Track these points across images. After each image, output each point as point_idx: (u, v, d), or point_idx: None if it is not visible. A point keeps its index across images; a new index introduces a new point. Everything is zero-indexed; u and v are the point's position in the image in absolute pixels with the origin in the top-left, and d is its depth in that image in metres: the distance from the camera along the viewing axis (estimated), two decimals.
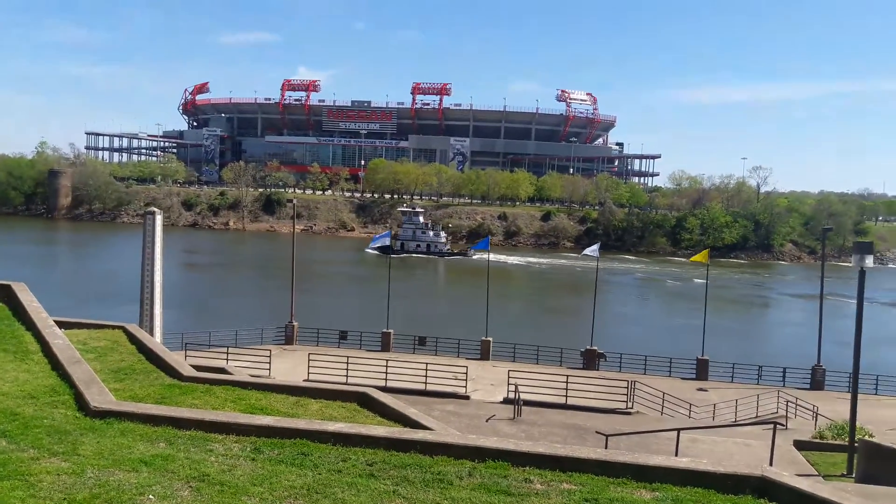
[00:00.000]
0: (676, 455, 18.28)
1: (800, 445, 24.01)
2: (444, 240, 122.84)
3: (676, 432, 20.00)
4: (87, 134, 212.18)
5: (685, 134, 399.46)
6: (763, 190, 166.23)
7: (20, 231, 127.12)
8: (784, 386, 37.10)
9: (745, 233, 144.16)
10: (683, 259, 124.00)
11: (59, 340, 15.14)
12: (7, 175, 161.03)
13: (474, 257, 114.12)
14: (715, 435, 25.10)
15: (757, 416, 30.76)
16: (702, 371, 39.02)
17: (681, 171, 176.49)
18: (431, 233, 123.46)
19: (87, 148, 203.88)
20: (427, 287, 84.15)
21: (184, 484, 8.35)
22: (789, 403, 31.33)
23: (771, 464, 17.86)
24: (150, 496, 7.92)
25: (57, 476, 8.32)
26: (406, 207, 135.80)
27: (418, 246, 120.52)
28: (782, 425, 25.39)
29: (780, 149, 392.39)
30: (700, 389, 36.06)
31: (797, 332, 67.09)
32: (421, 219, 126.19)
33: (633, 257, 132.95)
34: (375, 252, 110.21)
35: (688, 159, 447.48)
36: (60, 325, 17.51)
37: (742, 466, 9.34)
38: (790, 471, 19.70)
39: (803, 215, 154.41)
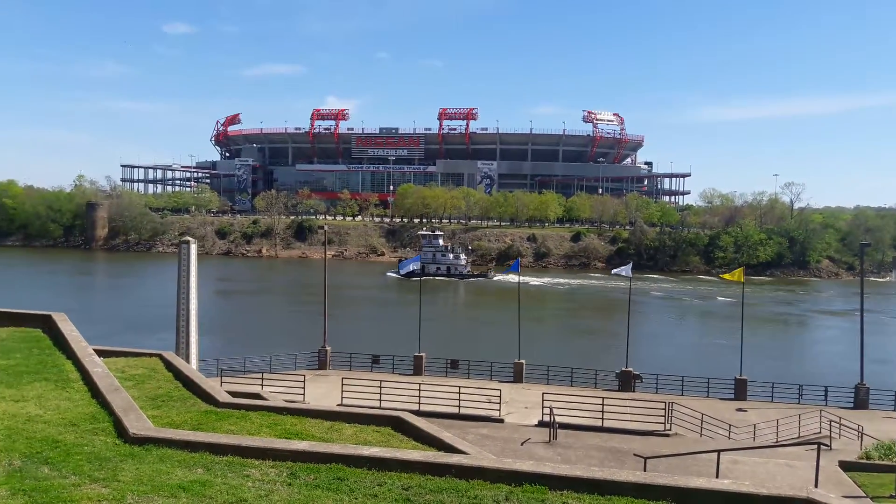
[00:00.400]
0: (717, 477, 17.88)
1: (846, 466, 23.33)
2: (464, 262, 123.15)
3: (717, 454, 19.58)
4: (123, 166, 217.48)
5: (715, 151, 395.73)
6: (797, 206, 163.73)
7: (60, 262, 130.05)
8: (826, 405, 36.15)
9: (779, 250, 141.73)
10: (717, 278, 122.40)
11: (98, 369, 15.39)
12: (47, 208, 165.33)
13: (495, 279, 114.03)
14: (756, 456, 24.50)
15: (799, 437, 29.99)
16: (740, 391, 38.22)
17: (712, 189, 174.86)
18: (451, 255, 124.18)
19: (123, 180, 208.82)
20: (456, 310, 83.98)
21: None
22: (833, 423, 30.51)
23: (816, 485, 17.37)
24: None
25: (98, 502, 8.43)
26: (426, 231, 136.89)
27: (438, 269, 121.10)
28: (826, 445, 24.69)
29: (813, 164, 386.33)
30: (739, 410, 35.31)
31: (837, 349, 65.49)
32: (441, 241, 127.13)
33: (660, 276, 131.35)
34: (396, 275, 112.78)
35: (718, 177, 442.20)
36: (99, 353, 17.82)
37: (786, 488, 9.11)
38: (836, 492, 19.17)
39: (839, 231, 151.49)
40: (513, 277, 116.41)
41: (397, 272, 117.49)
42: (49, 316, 21.39)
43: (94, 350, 17.78)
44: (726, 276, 45.71)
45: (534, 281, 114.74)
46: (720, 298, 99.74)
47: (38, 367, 16.31)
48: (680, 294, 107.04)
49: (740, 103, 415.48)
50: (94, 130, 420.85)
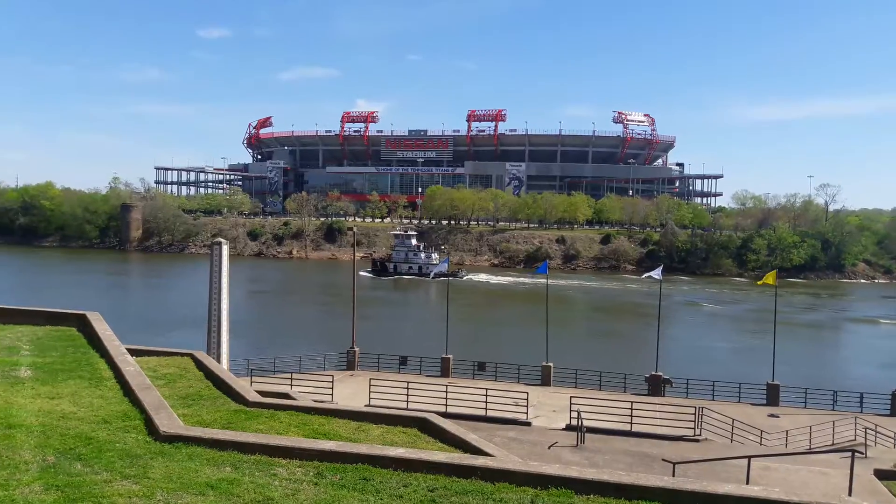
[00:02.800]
0: (748, 484, 17.60)
1: (881, 475, 22.77)
2: (435, 261, 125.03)
3: (747, 460, 19.24)
4: (157, 169, 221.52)
5: (748, 152, 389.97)
6: (832, 208, 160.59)
7: (95, 263, 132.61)
8: (862, 412, 35.38)
9: (814, 253, 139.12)
10: (749, 281, 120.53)
11: (130, 367, 15.66)
12: (83, 210, 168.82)
13: (464, 278, 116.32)
14: (789, 463, 24.05)
15: (833, 444, 29.38)
16: (772, 396, 37.57)
17: (744, 191, 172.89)
18: (423, 255, 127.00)
19: (157, 182, 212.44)
20: (478, 311, 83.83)
21: None
22: (868, 430, 29.84)
23: (850, 494, 17.00)
24: None
25: (128, 499, 8.57)
26: (398, 231, 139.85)
27: (410, 268, 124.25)
28: (861, 453, 24.15)
29: (849, 165, 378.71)
30: (771, 415, 34.72)
31: (873, 355, 64.12)
32: (413, 241, 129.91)
33: (691, 278, 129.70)
34: (369, 274, 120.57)
35: (751, 178, 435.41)
36: (132, 352, 18.14)
37: (819, 496, 8.93)
38: (871, 501, 18.74)
39: (876, 234, 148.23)
40: (482, 276, 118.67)
41: (369, 271, 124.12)
42: (84, 315, 21.83)
43: (127, 349, 18.10)
44: (760, 282, 45.03)
45: (566, 282, 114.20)
46: (752, 302, 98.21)
47: (72, 365, 16.64)
48: (711, 297, 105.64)
49: (774, 103, 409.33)
50: (128, 133, 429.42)
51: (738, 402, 37.46)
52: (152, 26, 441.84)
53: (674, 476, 17.45)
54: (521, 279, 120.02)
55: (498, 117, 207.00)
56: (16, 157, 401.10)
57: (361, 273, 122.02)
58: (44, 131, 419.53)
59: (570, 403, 29.77)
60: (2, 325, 22.05)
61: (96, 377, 15.49)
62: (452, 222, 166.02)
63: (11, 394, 13.61)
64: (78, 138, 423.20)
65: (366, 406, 28.26)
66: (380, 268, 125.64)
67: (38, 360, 16.94)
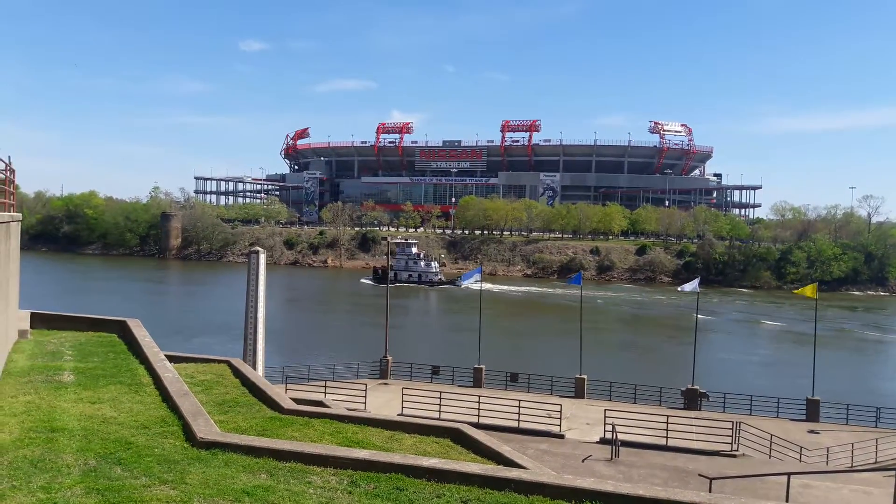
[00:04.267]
0: (787, 502, 17.22)
1: None
2: (434, 270, 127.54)
3: (787, 477, 18.84)
4: (196, 178, 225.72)
5: (788, 163, 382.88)
6: (874, 220, 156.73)
7: (135, 270, 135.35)
8: None
9: (855, 265, 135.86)
10: (788, 294, 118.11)
11: (168, 374, 15.93)
12: (124, 219, 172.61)
13: (462, 286, 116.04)
14: (829, 481, 23.47)
15: (876, 462, 28.56)
16: (812, 412, 36.69)
17: (783, 202, 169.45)
18: (423, 263, 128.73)
19: (196, 192, 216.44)
20: (503, 321, 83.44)
21: None
22: None
23: None
24: None
25: (166, 503, 8.70)
26: (399, 239, 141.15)
27: (410, 276, 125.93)
28: None
29: (891, 176, 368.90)
30: (811, 431, 33.91)
31: None
32: (414, 250, 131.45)
33: (728, 291, 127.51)
34: (370, 281, 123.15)
35: (791, 189, 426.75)
36: (170, 359, 18.45)
37: None
38: None
39: None
40: (485, 285, 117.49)
41: (370, 279, 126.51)
42: (124, 322, 22.29)
43: (166, 356, 18.42)
44: (798, 291, 44.09)
45: (520, 289, 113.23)
46: (790, 315, 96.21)
47: (113, 370, 16.98)
48: (749, 310, 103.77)
49: (815, 114, 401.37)
50: (169, 144, 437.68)
51: (777, 417, 36.67)
52: (195, 40, 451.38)
53: (710, 492, 17.15)
54: (525, 288, 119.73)
55: (532, 127, 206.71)
56: (58, 166, 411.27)
57: (363, 280, 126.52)
58: (86, 141, 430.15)
59: (605, 416, 29.46)
60: (46, 330, 22.62)
61: (136, 383, 15.78)
62: (485, 232, 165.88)
63: (55, 398, 13.94)
64: (119, 148, 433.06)
65: (398, 415, 28.33)
66: (381, 275, 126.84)
67: (81, 366, 17.33)
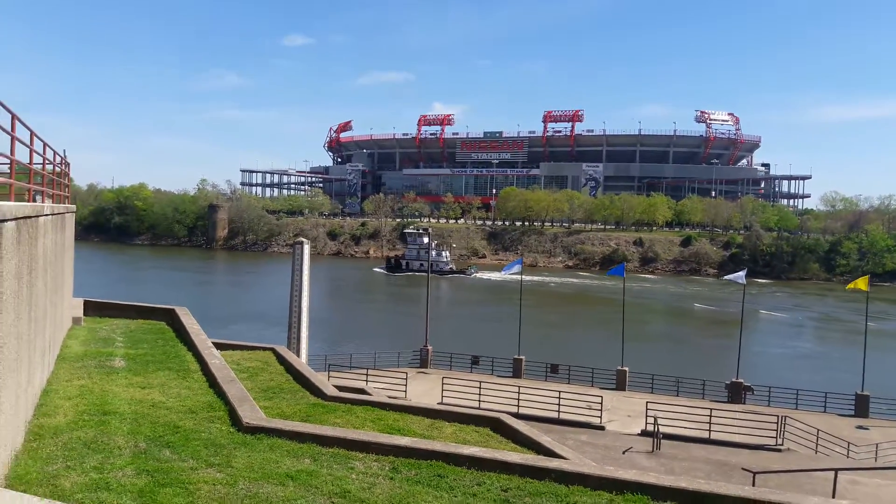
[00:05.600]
0: (834, 497, 16.86)
1: None
2: (445, 259, 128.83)
3: (834, 472, 18.43)
4: (242, 171, 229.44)
5: (839, 153, 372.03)
6: None
7: (183, 260, 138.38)
8: None
9: None
10: (838, 287, 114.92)
11: (215, 360, 16.31)
12: (173, 210, 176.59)
13: (473, 276, 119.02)
14: (879, 478, 22.86)
15: None
16: (861, 407, 35.72)
17: (834, 192, 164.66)
18: (434, 252, 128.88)
19: (242, 184, 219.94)
20: (542, 313, 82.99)
21: (326, 500, 8.73)
22: None
23: None
24: None
25: (213, 486, 8.95)
26: (411, 230, 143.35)
27: (421, 265, 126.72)
28: None
29: None
30: (860, 427, 33.04)
31: None
32: (425, 240, 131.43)
33: (776, 283, 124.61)
34: (383, 271, 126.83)
35: (842, 180, 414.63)
36: (217, 346, 18.88)
37: None
38: None
39: None
40: (492, 275, 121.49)
41: (383, 268, 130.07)
42: (173, 310, 22.87)
43: (212, 343, 18.86)
44: (850, 285, 42.88)
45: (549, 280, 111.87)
46: (840, 308, 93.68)
47: (162, 357, 17.47)
48: (796, 302, 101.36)
49: (867, 101, 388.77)
50: (215, 138, 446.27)
51: (824, 412, 35.82)
52: (239, 36, 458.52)
53: (754, 486, 16.89)
54: (534, 278, 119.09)
55: (575, 118, 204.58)
56: (107, 159, 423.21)
57: (375, 270, 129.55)
58: (134, 135, 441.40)
59: (647, 409, 29.18)
60: (98, 318, 23.35)
61: (184, 369, 16.20)
62: (526, 223, 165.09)
63: (107, 383, 14.40)
64: (166, 142, 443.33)
65: (438, 404, 28.48)
66: (394, 265, 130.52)
67: (131, 352, 17.86)
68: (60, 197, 18.25)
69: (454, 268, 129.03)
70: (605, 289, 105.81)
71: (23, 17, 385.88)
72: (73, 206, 21.49)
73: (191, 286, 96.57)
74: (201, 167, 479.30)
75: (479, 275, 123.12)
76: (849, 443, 28.15)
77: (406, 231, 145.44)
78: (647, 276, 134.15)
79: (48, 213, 12.98)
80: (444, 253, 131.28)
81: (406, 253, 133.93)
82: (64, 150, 19.28)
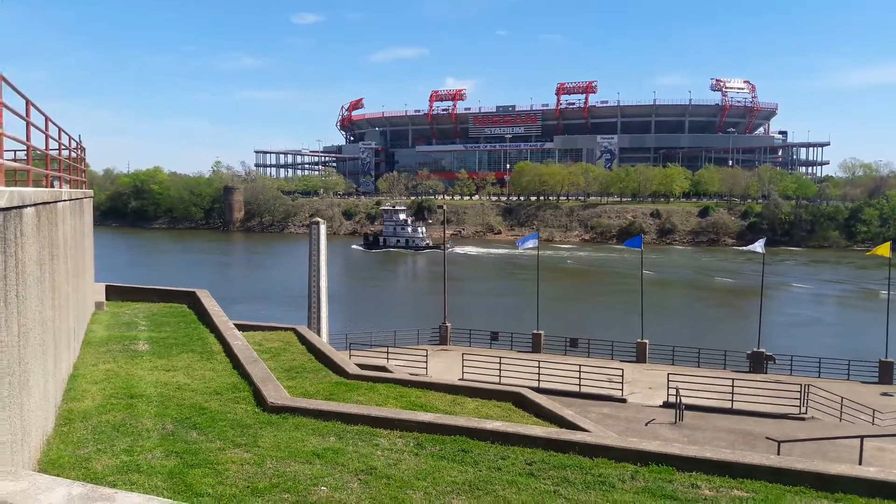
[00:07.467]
0: (860, 465, 16.78)
1: None
2: (421, 234, 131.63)
3: (860, 440, 18.34)
4: (256, 152, 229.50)
5: (859, 118, 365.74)
6: None
7: (201, 243, 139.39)
8: None
9: None
10: (859, 253, 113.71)
11: (238, 342, 16.44)
12: (189, 193, 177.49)
13: (449, 251, 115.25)
14: None
15: None
16: (885, 374, 35.46)
17: (853, 159, 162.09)
18: (410, 229, 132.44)
19: (257, 165, 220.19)
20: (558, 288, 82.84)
21: (353, 476, 8.80)
22: None
23: None
24: (323, 487, 8.41)
25: (241, 466, 9.05)
26: (388, 206, 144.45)
27: (398, 241, 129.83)
28: None
29: None
30: (885, 394, 32.82)
31: None
32: (402, 216, 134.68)
33: (795, 250, 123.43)
34: (360, 247, 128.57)
35: (862, 146, 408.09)
36: (238, 327, 19.03)
37: None
38: None
39: None
40: (467, 249, 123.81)
41: (361, 245, 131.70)
42: (193, 293, 23.06)
43: (234, 324, 19.01)
44: (871, 252, 42.35)
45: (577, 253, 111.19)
46: (862, 275, 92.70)
47: (185, 339, 17.64)
48: (817, 270, 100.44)
49: (886, 64, 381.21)
50: (229, 119, 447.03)
51: (847, 379, 35.60)
52: (249, 16, 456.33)
53: (779, 454, 16.85)
54: (511, 251, 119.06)
55: (588, 89, 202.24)
56: (125, 143, 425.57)
57: (353, 246, 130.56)
58: (149, 118, 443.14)
59: (668, 380, 29.14)
60: (120, 302, 23.59)
61: (207, 351, 16.36)
62: (541, 198, 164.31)
63: (132, 366, 14.58)
64: (180, 125, 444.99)
65: (459, 380, 28.60)
66: (372, 242, 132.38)
67: (154, 335, 18.05)
68: (77, 182, 18.35)
69: (430, 243, 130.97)
70: (622, 262, 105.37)
71: (32, 2, 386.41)
72: (91, 192, 21.62)
73: (210, 269, 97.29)
74: (215, 149, 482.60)
75: (455, 249, 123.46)
76: (874, 410, 27.97)
77: (383, 208, 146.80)
78: (665, 247, 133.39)
79: (66, 198, 13.05)
80: (419, 229, 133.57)
81: (383, 230, 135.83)
82: (79, 136, 19.36)
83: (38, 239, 9.12)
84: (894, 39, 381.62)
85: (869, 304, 68.43)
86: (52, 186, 13.31)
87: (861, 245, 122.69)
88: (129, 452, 9.38)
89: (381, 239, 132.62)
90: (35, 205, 8.90)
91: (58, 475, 8.38)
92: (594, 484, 8.72)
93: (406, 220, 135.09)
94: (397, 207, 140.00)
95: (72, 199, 14.16)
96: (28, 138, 9.95)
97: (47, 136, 12.23)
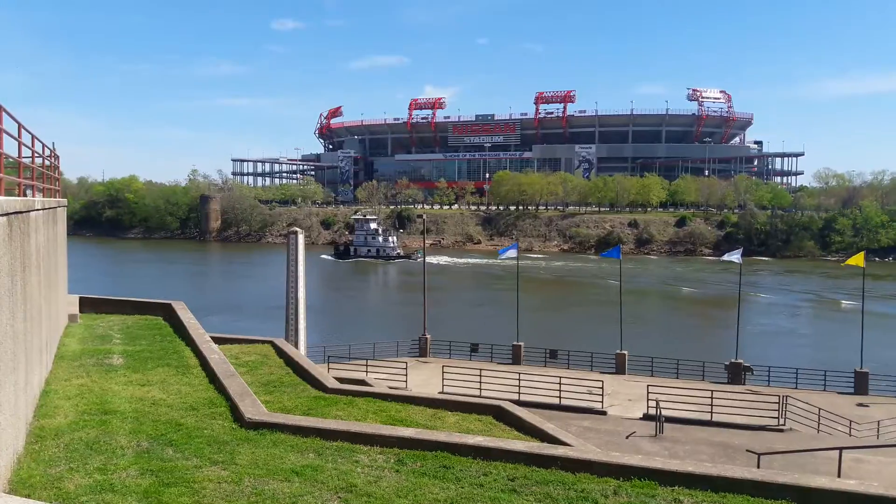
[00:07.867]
0: (839, 476, 16.89)
1: None
2: (392, 244, 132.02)
3: (838, 451, 18.45)
4: (234, 160, 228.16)
5: (832, 129, 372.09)
6: None
7: (177, 253, 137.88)
8: None
9: None
10: (833, 263, 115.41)
11: (214, 355, 16.19)
12: (165, 202, 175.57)
13: (417, 260, 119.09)
14: (882, 455, 22.95)
15: None
16: (861, 384, 35.85)
17: (826, 169, 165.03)
18: (381, 238, 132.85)
19: (234, 174, 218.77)
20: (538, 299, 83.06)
21: (333, 494, 8.65)
22: None
23: None
24: None
25: (218, 484, 8.85)
26: (359, 216, 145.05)
27: (369, 251, 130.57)
28: None
29: None
30: (860, 405, 33.15)
31: None
32: (373, 226, 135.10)
33: (771, 261, 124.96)
34: (331, 257, 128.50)
35: (836, 156, 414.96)
36: (215, 340, 18.74)
37: None
38: None
39: None
40: (440, 259, 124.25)
41: (331, 255, 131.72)
42: (169, 305, 22.71)
43: (211, 337, 18.72)
44: (847, 262, 42.90)
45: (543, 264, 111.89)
46: (836, 285, 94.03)
47: (160, 353, 17.33)
48: (792, 281, 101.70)
49: (860, 76, 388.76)
50: (206, 126, 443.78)
51: (824, 390, 35.95)
52: (228, 22, 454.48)
53: (759, 467, 16.91)
54: (488, 260, 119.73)
55: (567, 98, 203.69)
56: (100, 151, 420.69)
57: (323, 256, 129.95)
58: (125, 127, 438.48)
59: (648, 392, 29.20)
60: (94, 314, 23.17)
61: (183, 365, 16.08)
62: (521, 207, 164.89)
63: (106, 381, 14.27)
64: (157, 133, 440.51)
65: (440, 393, 28.46)
66: (343, 251, 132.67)
67: (129, 349, 17.72)
68: (51, 191, 18.02)
69: (401, 253, 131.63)
70: (602, 272, 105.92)
71: (9, 5, 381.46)
72: (65, 200, 21.25)
73: (186, 279, 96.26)
74: (193, 157, 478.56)
75: (419, 259, 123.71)
76: (850, 421, 28.23)
77: (354, 217, 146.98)
78: (642, 257, 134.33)
79: (39, 207, 12.78)
80: (391, 239, 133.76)
81: (354, 239, 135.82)
82: (53, 143, 19.02)
83: (9, 249, 8.89)
84: (869, 51, 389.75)
85: (843, 315, 69.36)
86: (25, 195, 13.02)
87: (835, 255, 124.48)
88: (103, 471, 9.14)
89: (353, 249, 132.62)
90: (7, 214, 8.68)
91: (28, 496, 8.14)
92: (577, 500, 8.65)
93: (377, 230, 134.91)
94: (368, 217, 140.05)
95: (45, 209, 13.86)
96: (0, 145, 9.72)
97: (20, 144, 11.97)
